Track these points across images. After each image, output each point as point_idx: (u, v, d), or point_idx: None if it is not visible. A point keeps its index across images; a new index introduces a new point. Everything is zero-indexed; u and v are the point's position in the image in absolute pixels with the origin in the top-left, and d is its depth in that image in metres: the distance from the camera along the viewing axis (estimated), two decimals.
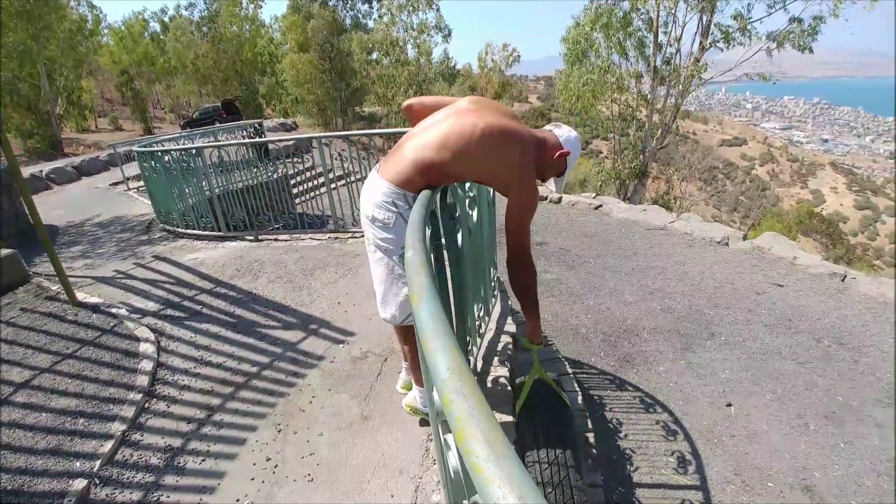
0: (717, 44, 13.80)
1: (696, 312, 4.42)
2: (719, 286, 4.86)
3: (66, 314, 3.65)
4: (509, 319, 2.68)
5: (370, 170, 2.36)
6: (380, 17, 31.60)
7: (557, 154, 1.78)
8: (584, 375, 3.63)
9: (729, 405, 3.28)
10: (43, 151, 19.15)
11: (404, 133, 3.64)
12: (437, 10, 27.75)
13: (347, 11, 34.55)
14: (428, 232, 1.50)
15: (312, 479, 2.03)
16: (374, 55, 29.04)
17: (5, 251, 4.28)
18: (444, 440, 0.79)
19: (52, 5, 18.73)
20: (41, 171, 12.05)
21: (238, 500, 1.98)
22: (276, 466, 2.12)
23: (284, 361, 2.87)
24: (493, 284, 2.76)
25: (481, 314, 2.45)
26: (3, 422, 2.54)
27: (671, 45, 14.54)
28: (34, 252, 5.48)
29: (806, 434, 2.94)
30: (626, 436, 3.06)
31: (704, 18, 13.73)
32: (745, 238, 6.05)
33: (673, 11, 13.90)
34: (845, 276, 4.82)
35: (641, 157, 15.46)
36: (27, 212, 6.79)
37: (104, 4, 30.18)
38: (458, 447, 0.49)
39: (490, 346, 2.47)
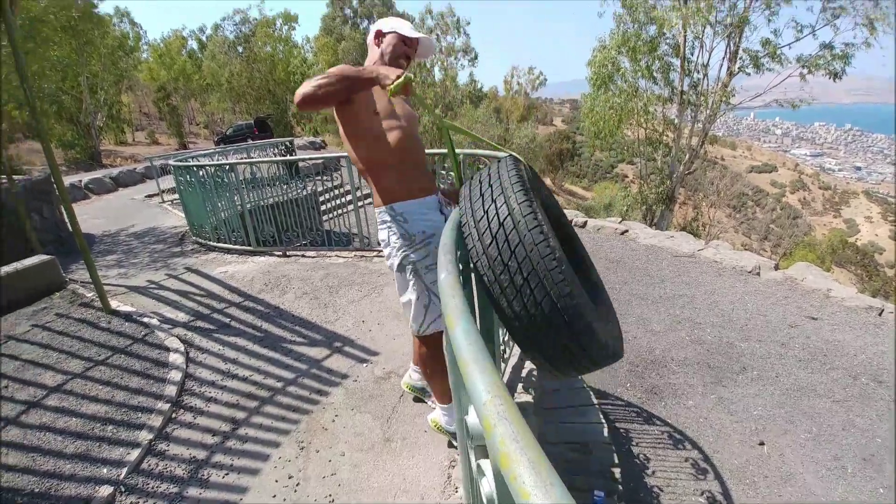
0: (746, 69, 13.69)
1: (727, 345, 4.30)
2: (751, 318, 4.73)
3: (100, 321, 3.73)
4: None
5: None
6: None
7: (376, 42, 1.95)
8: (610, 407, 3.55)
9: (762, 444, 3.15)
10: (82, 162, 19.97)
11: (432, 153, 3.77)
12: (466, 34, 28.31)
13: None
14: (458, 253, 1.51)
15: (333, 501, 2.02)
16: None
17: (44, 257, 4.41)
18: (478, 465, 0.78)
19: (95, 21, 19.70)
20: (80, 181, 12.54)
21: None
22: (297, 485, 2.12)
23: (309, 378, 2.88)
24: None
25: (506, 338, 2.44)
26: (34, 424, 2.60)
27: (698, 71, 14.49)
28: (70, 259, 5.67)
29: (843, 477, 2.80)
30: (653, 473, 2.97)
31: (732, 44, 13.66)
32: (776, 268, 5.90)
33: (700, 37, 13.89)
34: (882, 311, 4.64)
35: (668, 181, 15.29)
36: (66, 220, 7.06)
37: (145, 22, 31.65)
38: (503, 473, 0.49)
39: (514, 372, 2.45)
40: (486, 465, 0.76)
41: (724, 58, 13.95)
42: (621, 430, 3.36)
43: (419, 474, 2.08)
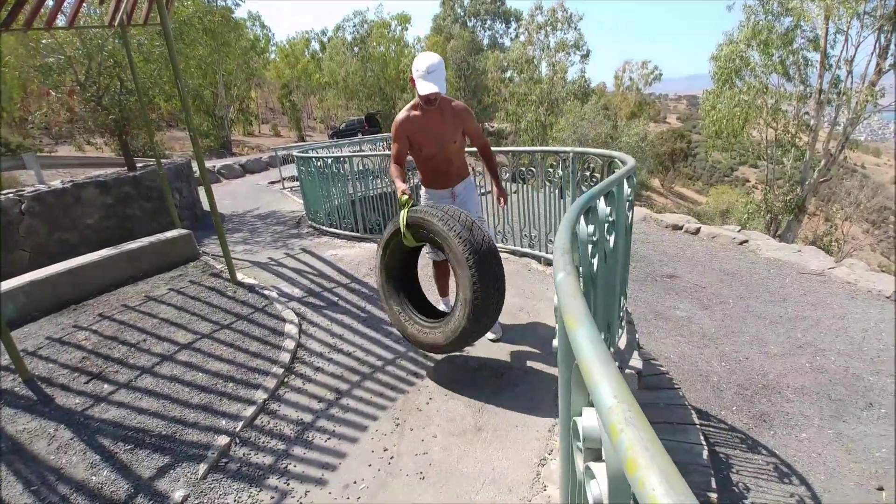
0: None
1: (853, 377, 3.83)
2: (885, 349, 4.16)
3: (227, 290, 4.18)
4: (635, 354, 2.55)
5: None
6: (517, 36, 32.20)
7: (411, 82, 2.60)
8: (712, 429, 3.33)
9: (881, 489, 2.80)
10: (215, 150, 22.38)
11: (528, 151, 4.16)
12: (577, 29, 27.48)
13: (485, 32, 35.71)
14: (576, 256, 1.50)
15: (424, 478, 2.11)
16: (508, 73, 29.54)
17: (182, 231, 5.00)
18: (587, 467, 0.79)
19: (232, 25, 21.93)
20: (213, 167, 14.06)
21: (355, 482, 2.13)
22: (391, 458, 2.24)
23: (406, 360, 3.03)
24: (620, 315, 2.65)
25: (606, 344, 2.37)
26: (166, 375, 2.97)
27: (840, 67, 12.80)
28: (203, 234, 6.42)
29: None
30: None
31: (883, 38, 11.87)
32: None
33: (845, 30, 12.23)
34: None
35: (799, 189, 13.72)
36: (202, 200, 7.96)
37: (274, 24, 34.56)
38: (629, 479, 0.49)
39: None
40: (598, 468, 0.76)
41: (872, 53, 12.19)
42: (721, 455, 3.15)
43: (508, 467, 2.11)
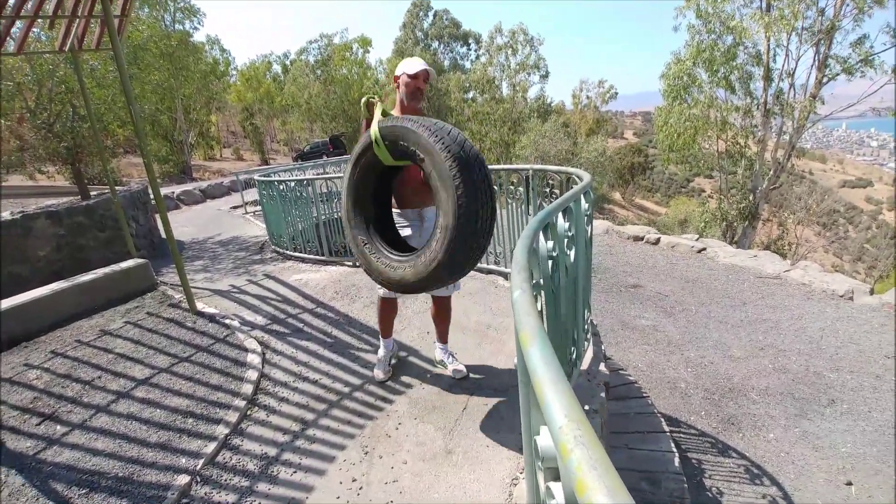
0: (837, 77, 12.68)
1: (815, 375, 3.96)
2: (842, 346, 4.33)
3: (186, 321, 4.02)
4: (602, 365, 2.57)
5: None
6: (477, 57, 32.98)
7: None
8: (682, 435, 3.36)
9: (849, 483, 2.87)
10: (175, 175, 21.82)
11: (491, 170, 4.06)
12: (537, 50, 28.35)
13: (447, 54, 36.45)
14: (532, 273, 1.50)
15: None
16: (471, 94, 30.12)
17: (139, 261, 4.83)
18: (547, 487, 0.77)
19: (190, 49, 21.70)
20: (172, 193, 13.69)
21: None
22: (360, 488, 2.17)
23: (374, 385, 2.96)
24: (586, 327, 2.67)
25: (573, 358, 2.38)
26: (122, 413, 2.82)
27: (783, 79, 13.57)
28: (161, 263, 6.20)
29: None
30: None
31: (821, 51, 12.68)
32: (871, 292, 5.37)
33: (785, 45, 13.01)
34: None
35: (751, 197, 14.34)
36: (160, 227, 7.71)
37: (234, 48, 34.36)
38: (578, 499, 0.48)
39: (580, 392, 2.38)
40: (556, 488, 0.74)
41: (812, 66, 12.99)
42: (693, 461, 3.17)
43: (480, 489, 2.07)
